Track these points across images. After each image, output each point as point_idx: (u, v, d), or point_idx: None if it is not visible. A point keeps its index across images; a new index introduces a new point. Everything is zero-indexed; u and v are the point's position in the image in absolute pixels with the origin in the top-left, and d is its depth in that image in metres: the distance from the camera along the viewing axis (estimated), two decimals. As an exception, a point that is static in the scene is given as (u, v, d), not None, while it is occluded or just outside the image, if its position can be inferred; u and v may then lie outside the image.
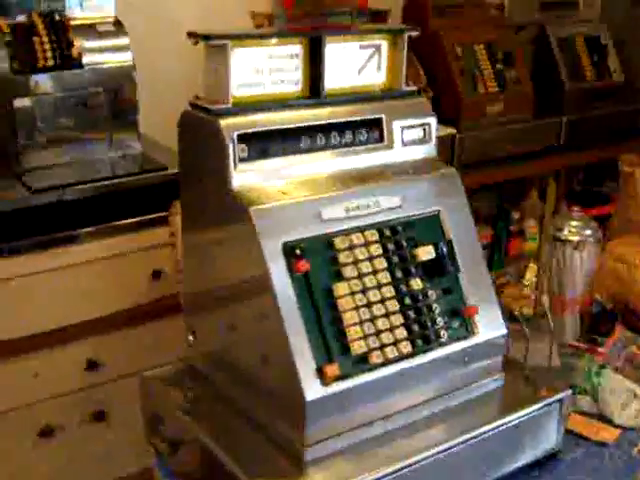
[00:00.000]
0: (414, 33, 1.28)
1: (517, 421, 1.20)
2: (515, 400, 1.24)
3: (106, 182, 2.26)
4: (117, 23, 2.37)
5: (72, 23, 2.29)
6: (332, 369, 1.06)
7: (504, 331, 1.24)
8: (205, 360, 1.30)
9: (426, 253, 1.19)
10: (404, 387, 1.15)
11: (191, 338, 1.31)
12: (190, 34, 1.14)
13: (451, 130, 2.70)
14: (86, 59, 2.28)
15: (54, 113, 2.30)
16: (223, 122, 1.11)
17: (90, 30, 2.32)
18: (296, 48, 1.20)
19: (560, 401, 1.25)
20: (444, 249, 1.20)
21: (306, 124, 1.18)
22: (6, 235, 2.10)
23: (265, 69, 1.18)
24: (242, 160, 1.12)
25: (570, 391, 1.27)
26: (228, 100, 1.13)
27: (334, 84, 1.24)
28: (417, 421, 1.17)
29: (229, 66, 1.12)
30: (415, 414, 1.17)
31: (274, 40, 1.18)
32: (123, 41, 2.35)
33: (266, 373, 1.12)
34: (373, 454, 1.10)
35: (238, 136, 1.12)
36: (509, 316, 1.45)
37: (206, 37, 1.12)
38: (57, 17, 2.26)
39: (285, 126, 1.16)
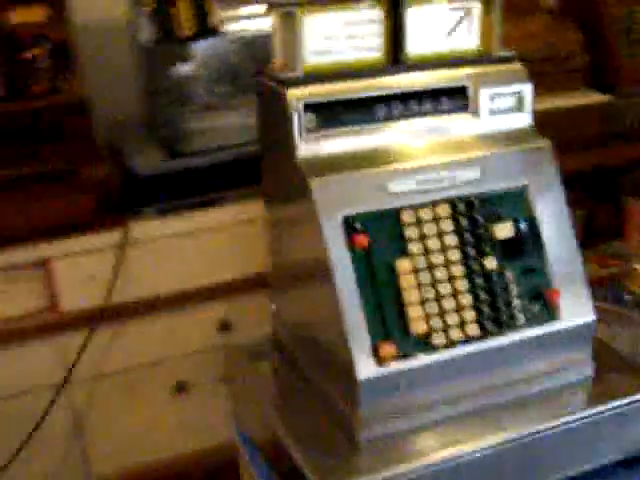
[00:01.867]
0: (506, -6, 1.19)
1: (599, 416, 1.11)
2: (601, 393, 1.14)
3: (248, 147, 2.30)
4: (258, -12, 2.39)
5: (214, -9, 2.33)
6: (388, 348, 1.03)
7: (592, 318, 1.14)
8: (285, 332, 1.30)
9: (504, 230, 1.11)
10: (471, 371, 1.09)
11: (274, 307, 1.32)
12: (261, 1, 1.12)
13: (605, 97, 2.51)
14: (227, 27, 2.32)
15: (206, 80, 2.36)
16: (290, 91, 1.09)
17: (231, -3, 2.35)
18: (374, 12, 1.15)
19: (657, 397, 1.14)
20: (525, 227, 1.12)
21: (381, 92, 1.13)
22: (150, 198, 2.21)
23: (341, 36, 1.14)
24: (310, 130, 1.10)
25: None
26: (299, 68, 1.11)
27: (418, 49, 1.18)
28: (484, 408, 1.10)
29: (299, 34, 1.10)
30: (483, 400, 1.11)
31: (350, 5, 1.13)
32: (261, 7, 2.37)
33: (327, 349, 1.11)
34: (430, 439, 1.06)
35: (306, 105, 1.09)
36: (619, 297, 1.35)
37: (275, 5, 1.10)
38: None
39: (357, 95, 1.12)
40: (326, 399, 1.14)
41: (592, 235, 2.82)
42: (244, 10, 2.37)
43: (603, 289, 1.69)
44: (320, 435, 1.10)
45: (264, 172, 1.25)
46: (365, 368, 1.02)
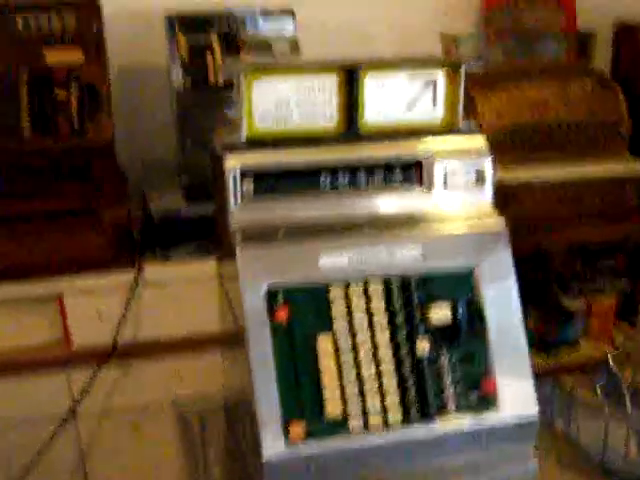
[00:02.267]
0: (473, 66, 1.15)
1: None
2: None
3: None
4: (294, 43, 2.41)
5: (248, 42, 2.37)
6: (297, 428, 0.99)
7: (534, 412, 1.08)
8: (230, 394, 1.28)
9: (441, 314, 1.06)
10: (392, 459, 1.04)
11: (226, 365, 1.30)
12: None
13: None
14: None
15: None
16: (229, 156, 1.08)
17: (264, 49, 2.38)
18: (329, 80, 1.13)
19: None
20: (465, 312, 1.06)
21: (328, 163, 1.11)
22: (166, 241, 2.23)
23: (292, 102, 1.12)
24: (248, 196, 1.08)
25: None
26: (242, 133, 1.10)
27: (376, 119, 1.15)
28: (403, 500, 1.05)
29: (242, 98, 1.09)
30: (403, 491, 1.05)
31: (302, 71, 1.12)
32: (295, 60, 2.38)
33: (248, 421, 1.08)
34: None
35: (245, 171, 1.08)
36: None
37: (226, 68, 1.10)
38: (233, 36, 2.35)
39: (301, 164, 1.10)
40: (248, 474, 1.10)
41: (633, 309, 2.70)
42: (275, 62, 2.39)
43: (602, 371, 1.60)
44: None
45: (216, 231, 1.24)
46: (272, 446, 0.99)
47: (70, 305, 2.17)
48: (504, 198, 2.31)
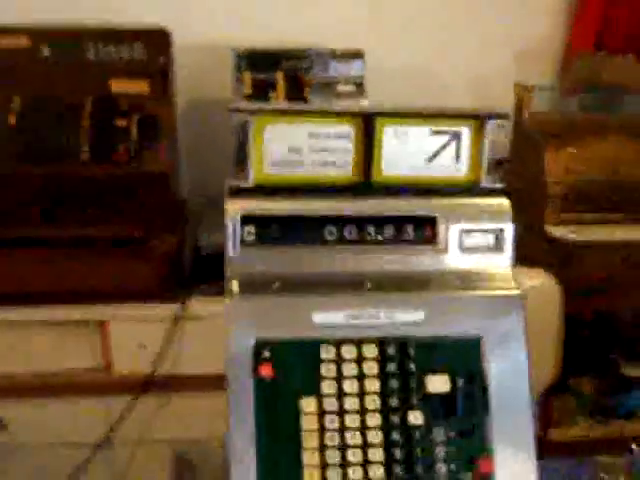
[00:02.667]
0: (501, 121, 1.09)
1: None
2: None
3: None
4: (359, 85, 2.38)
5: (314, 82, 2.35)
6: (270, 493, 0.94)
7: (534, 501, 0.99)
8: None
9: (439, 384, 0.99)
10: (371, 537, 0.97)
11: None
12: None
13: None
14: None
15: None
16: (231, 201, 1.05)
17: (329, 90, 2.36)
18: (346, 128, 1.08)
19: None
20: (465, 383, 0.99)
21: (334, 214, 1.06)
22: (213, 275, 2.22)
23: (305, 148, 1.08)
24: (248, 244, 1.04)
25: None
26: (249, 179, 1.07)
27: (392, 172, 1.10)
28: None
29: (250, 143, 1.06)
30: None
31: (315, 117, 1.08)
32: (360, 102, 2.35)
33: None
34: None
35: (246, 218, 1.04)
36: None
37: (233, 110, 1.07)
38: (300, 75, 2.34)
39: (307, 214, 1.06)
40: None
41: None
42: (341, 103, 2.37)
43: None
44: None
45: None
46: (243, 511, 0.93)
47: (114, 332, 2.18)
48: (566, 257, 2.21)
